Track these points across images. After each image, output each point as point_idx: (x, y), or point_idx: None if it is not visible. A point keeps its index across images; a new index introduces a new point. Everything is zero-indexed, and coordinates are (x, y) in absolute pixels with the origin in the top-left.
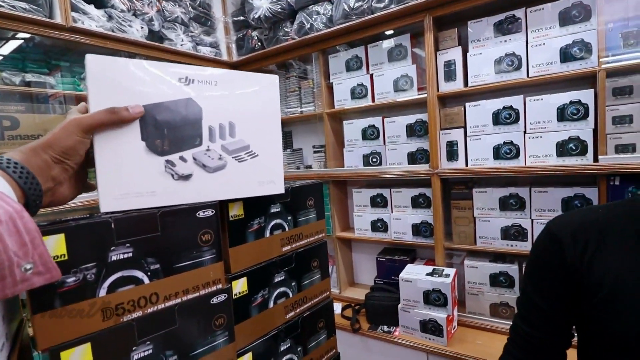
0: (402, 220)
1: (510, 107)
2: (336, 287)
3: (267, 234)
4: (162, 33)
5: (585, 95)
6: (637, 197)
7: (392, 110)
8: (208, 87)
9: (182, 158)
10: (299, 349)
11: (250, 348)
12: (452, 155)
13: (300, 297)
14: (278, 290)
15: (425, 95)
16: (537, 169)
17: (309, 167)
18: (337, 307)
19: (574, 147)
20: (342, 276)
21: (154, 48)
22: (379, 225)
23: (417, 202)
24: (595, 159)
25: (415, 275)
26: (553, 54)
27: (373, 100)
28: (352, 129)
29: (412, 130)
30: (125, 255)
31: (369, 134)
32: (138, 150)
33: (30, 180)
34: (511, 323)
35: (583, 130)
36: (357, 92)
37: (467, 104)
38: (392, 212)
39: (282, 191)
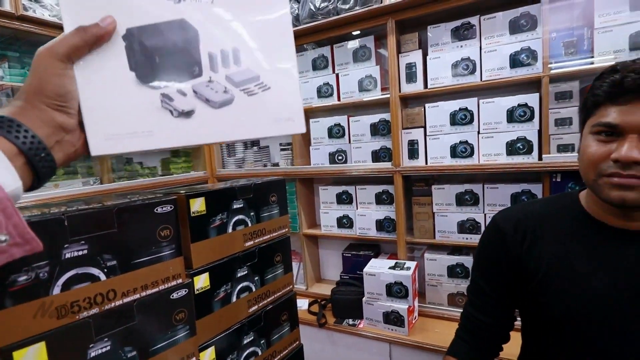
0: (366, 216)
1: (466, 109)
2: (303, 283)
3: (230, 229)
4: None
5: (531, 99)
6: (570, 192)
7: (357, 110)
8: (204, 5)
9: (180, 91)
10: (262, 341)
11: (212, 342)
12: (413, 153)
13: (263, 291)
14: (241, 285)
15: (388, 95)
16: (489, 166)
17: (276, 164)
18: (304, 303)
19: (521, 147)
20: (309, 272)
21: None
22: (344, 222)
23: (381, 199)
24: (540, 158)
25: (378, 269)
26: (503, 60)
27: (339, 99)
28: (319, 127)
29: (376, 129)
30: (80, 253)
31: (335, 132)
32: (127, 82)
33: (22, 133)
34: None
35: (529, 131)
36: (323, 91)
37: (426, 105)
38: (357, 209)
39: (303, 130)
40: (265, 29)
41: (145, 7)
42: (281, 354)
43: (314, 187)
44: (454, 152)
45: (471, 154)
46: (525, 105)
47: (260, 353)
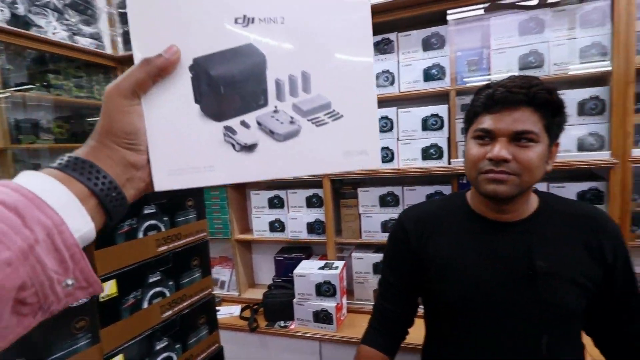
0: (297, 219)
1: (387, 117)
2: (236, 289)
3: (141, 235)
4: (29, 18)
5: (441, 110)
6: (460, 192)
7: None
8: (273, 27)
9: (243, 123)
10: (177, 346)
11: (121, 349)
12: None
13: (178, 295)
14: (153, 291)
15: None
16: (407, 170)
17: None
18: (236, 309)
19: (434, 152)
20: (242, 278)
21: (17, 35)
22: (276, 226)
23: (311, 202)
24: (449, 162)
25: (308, 270)
26: (418, 74)
27: None
28: None
29: None
30: None
31: None
32: (192, 115)
33: (94, 174)
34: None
35: (440, 138)
36: None
37: None
38: (288, 212)
39: (379, 165)
40: (339, 52)
41: (213, 34)
42: (199, 357)
43: (246, 192)
44: None
45: (392, 159)
46: (437, 115)
47: (175, 358)
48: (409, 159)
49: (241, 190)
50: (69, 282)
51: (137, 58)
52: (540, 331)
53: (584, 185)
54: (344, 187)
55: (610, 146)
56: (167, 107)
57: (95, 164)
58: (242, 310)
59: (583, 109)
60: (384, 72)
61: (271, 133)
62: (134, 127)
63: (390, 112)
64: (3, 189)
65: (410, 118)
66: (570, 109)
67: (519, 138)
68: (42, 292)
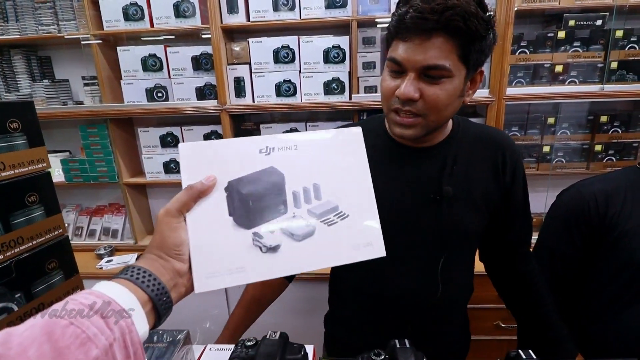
0: None
1: (288, 47)
2: (131, 237)
3: None
4: None
5: (343, 41)
6: (380, 115)
7: (177, 40)
8: (288, 153)
9: (269, 229)
10: (17, 295)
11: None
12: (239, 91)
13: (11, 237)
14: None
15: (209, 25)
16: (310, 105)
17: (80, 102)
18: (132, 258)
19: (336, 87)
20: (138, 225)
21: None
22: (172, 167)
23: (210, 139)
24: (350, 97)
25: None
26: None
27: (152, 25)
28: (130, 57)
29: (199, 63)
30: None
31: (151, 64)
32: (226, 226)
33: (153, 283)
34: None
35: (342, 72)
36: (130, 13)
37: (250, 40)
38: None
39: (383, 254)
40: (341, 167)
41: (243, 162)
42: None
43: (134, 129)
44: (279, 90)
45: (294, 93)
46: (339, 47)
47: (16, 308)
48: (311, 93)
49: (127, 128)
50: None
51: (185, 180)
52: (441, 253)
53: None
54: (245, 124)
55: (489, 84)
56: (206, 220)
57: (154, 273)
58: (138, 258)
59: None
60: None
61: (291, 235)
62: (180, 240)
63: (291, 41)
64: (89, 296)
65: (312, 49)
66: None
67: (429, 74)
68: None
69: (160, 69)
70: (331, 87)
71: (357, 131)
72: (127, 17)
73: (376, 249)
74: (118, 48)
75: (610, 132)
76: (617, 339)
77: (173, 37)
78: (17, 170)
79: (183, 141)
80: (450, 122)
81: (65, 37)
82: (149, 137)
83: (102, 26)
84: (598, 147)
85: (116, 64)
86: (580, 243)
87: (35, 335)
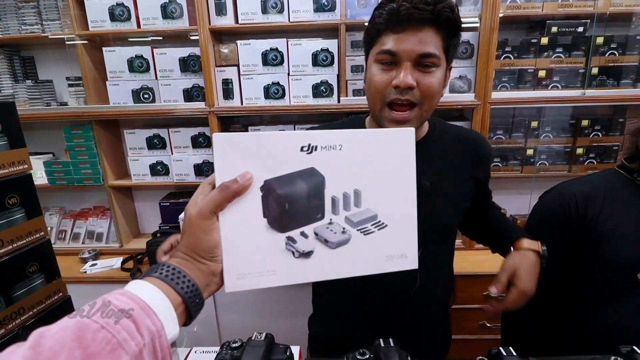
0: (183, 161)
1: (277, 49)
2: (116, 241)
3: None
4: None
5: (332, 45)
6: (359, 116)
7: (164, 42)
8: (332, 153)
9: (303, 234)
10: None
11: None
12: (228, 93)
13: None
14: None
15: (197, 27)
16: (299, 107)
17: (64, 104)
18: (117, 262)
19: (324, 90)
20: (123, 228)
21: None
22: (159, 169)
23: (198, 142)
24: (339, 100)
25: None
26: (308, 2)
27: (139, 26)
28: (116, 58)
29: (187, 65)
30: None
31: (137, 65)
32: (260, 228)
33: (187, 284)
34: None
35: (331, 75)
36: (117, 14)
37: (239, 42)
38: (172, 154)
39: (416, 266)
40: (387, 172)
41: (282, 160)
42: (35, 309)
43: (120, 131)
44: (268, 92)
45: (283, 96)
46: (327, 50)
47: None
48: (300, 95)
49: (113, 129)
50: None
51: (219, 179)
52: (419, 245)
53: None
54: (234, 126)
55: (475, 88)
56: (240, 221)
57: (189, 274)
58: (124, 262)
59: (457, 52)
60: None
61: (325, 242)
62: (215, 242)
63: (280, 43)
64: (121, 297)
65: (300, 52)
66: None
67: (423, 63)
68: None
69: (147, 70)
70: (320, 89)
71: (410, 132)
72: (113, 17)
73: (410, 261)
74: (104, 49)
75: (591, 135)
76: (597, 335)
77: (161, 38)
78: (14, 245)
79: (170, 143)
80: (427, 123)
81: (50, 37)
82: (135, 139)
83: (87, 26)
84: (580, 150)
85: (102, 64)
86: (561, 243)
87: (65, 340)
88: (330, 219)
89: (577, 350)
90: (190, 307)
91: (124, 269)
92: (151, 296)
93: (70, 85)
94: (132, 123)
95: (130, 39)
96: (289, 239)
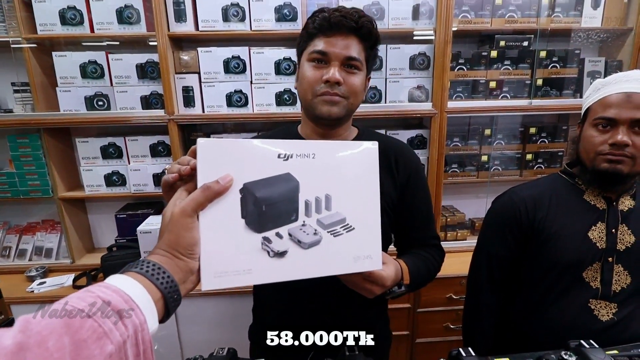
0: (141, 171)
1: (239, 57)
2: (67, 257)
3: None
4: None
5: (294, 54)
6: (294, 124)
7: (120, 47)
8: (306, 161)
9: (278, 234)
10: None
11: None
12: (188, 101)
13: None
14: None
15: (154, 33)
16: (262, 116)
17: (9, 111)
18: (69, 279)
19: (287, 98)
20: (75, 243)
21: None
22: (114, 179)
23: (157, 151)
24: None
25: (155, 226)
26: (269, 12)
27: (92, 31)
28: (67, 63)
29: (144, 72)
30: None
31: (91, 71)
32: (238, 228)
33: (167, 280)
34: None
35: (293, 84)
36: (68, 17)
37: (199, 49)
38: (129, 163)
39: (380, 267)
40: (354, 179)
41: (260, 165)
42: None
43: (72, 140)
44: (230, 100)
45: (246, 104)
46: (290, 59)
47: None
48: (263, 104)
49: (64, 138)
50: None
51: (201, 180)
52: None
53: (413, 133)
54: (196, 134)
55: (432, 98)
56: (219, 221)
57: (168, 271)
58: (76, 279)
59: (414, 63)
60: (232, 5)
61: (299, 242)
62: (195, 240)
63: (242, 51)
64: (106, 290)
65: (263, 60)
66: (403, 62)
67: (349, 64)
68: None
69: (102, 76)
70: (283, 98)
71: (374, 146)
72: (64, 21)
73: (374, 262)
74: (54, 53)
75: (538, 142)
76: (546, 332)
77: (117, 43)
78: None
79: (127, 152)
80: (355, 129)
81: None
82: (88, 147)
83: (35, 29)
84: (529, 156)
85: (51, 69)
86: (513, 245)
87: (54, 326)
88: (304, 221)
89: (529, 345)
90: (169, 303)
91: (76, 287)
92: (134, 292)
93: (16, 92)
94: (85, 131)
95: (83, 44)
96: (265, 239)
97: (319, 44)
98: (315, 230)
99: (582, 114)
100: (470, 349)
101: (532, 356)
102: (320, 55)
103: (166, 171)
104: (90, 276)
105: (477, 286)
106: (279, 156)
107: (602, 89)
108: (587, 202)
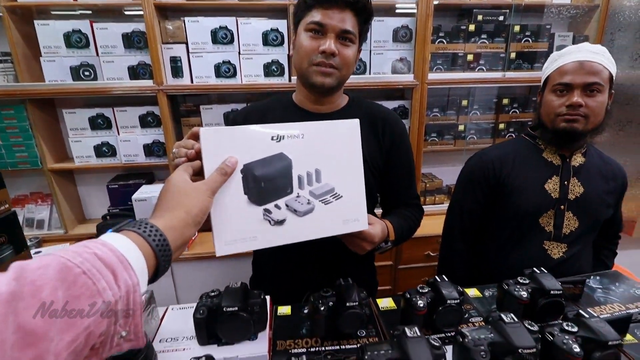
0: (131, 141)
1: (226, 28)
2: (60, 227)
3: None
4: None
5: (281, 25)
6: (286, 93)
7: (104, 16)
8: (296, 141)
9: (276, 206)
10: None
11: None
12: (177, 71)
13: None
14: None
15: (140, 1)
16: (250, 86)
17: None
18: (65, 247)
19: (275, 69)
20: (67, 214)
21: None
22: (104, 150)
23: (146, 122)
24: (290, 79)
25: (149, 194)
26: None
27: None
28: (50, 32)
29: (130, 41)
30: None
31: (75, 40)
32: (242, 203)
33: (163, 245)
34: None
35: (281, 55)
36: None
37: (186, 19)
38: (119, 134)
39: (366, 227)
40: (339, 154)
41: (257, 147)
42: None
43: (57, 111)
44: (218, 71)
45: (234, 75)
46: (277, 30)
47: None
48: (251, 75)
49: (49, 109)
50: (123, 334)
51: (207, 163)
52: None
53: (396, 103)
54: (184, 105)
55: (413, 70)
56: (225, 197)
57: (167, 238)
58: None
59: (397, 36)
60: None
61: (295, 211)
62: (208, 210)
63: (230, 22)
64: (103, 247)
65: (250, 31)
66: (387, 35)
67: (344, 37)
68: (107, 340)
69: (87, 45)
70: (271, 69)
71: (355, 123)
72: None
73: (361, 223)
74: (35, 22)
75: (510, 112)
76: (510, 271)
77: (100, 9)
78: None
79: (116, 123)
80: (346, 96)
81: None
82: (75, 119)
83: None
84: (502, 126)
85: (34, 39)
86: (482, 199)
87: (49, 277)
88: (298, 193)
89: (499, 278)
90: (160, 267)
91: None
92: (130, 254)
93: None
94: (72, 102)
95: (64, 12)
96: (266, 210)
97: (317, 16)
98: (309, 200)
99: (542, 82)
100: (444, 276)
101: (495, 285)
102: (317, 27)
103: (174, 154)
104: None
105: (450, 236)
106: (272, 138)
107: (558, 59)
108: (545, 159)
